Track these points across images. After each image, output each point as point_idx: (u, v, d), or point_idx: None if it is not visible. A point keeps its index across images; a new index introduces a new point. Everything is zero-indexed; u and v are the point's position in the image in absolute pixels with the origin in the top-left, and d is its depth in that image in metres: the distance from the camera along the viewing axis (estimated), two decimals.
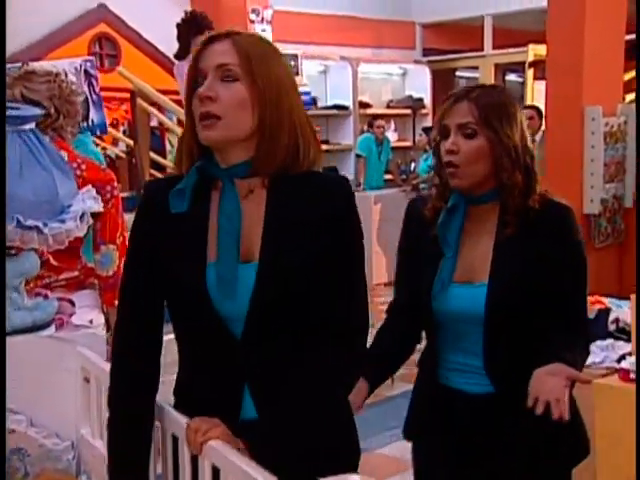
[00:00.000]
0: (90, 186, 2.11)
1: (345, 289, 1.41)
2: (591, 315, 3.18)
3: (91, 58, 3.43)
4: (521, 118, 1.75)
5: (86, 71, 3.19)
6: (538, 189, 1.73)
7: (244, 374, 1.38)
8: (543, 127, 6.17)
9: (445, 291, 1.73)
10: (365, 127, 8.20)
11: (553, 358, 1.61)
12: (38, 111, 1.94)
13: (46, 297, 2.03)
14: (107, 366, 1.69)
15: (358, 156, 7.95)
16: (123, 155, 6.65)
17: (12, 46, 6.04)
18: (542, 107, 6.28)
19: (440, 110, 1.77)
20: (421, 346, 1.90)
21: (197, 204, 1.38)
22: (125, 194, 5.59)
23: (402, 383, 3.40)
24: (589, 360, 2.90)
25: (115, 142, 6.86)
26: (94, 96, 3.21)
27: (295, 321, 1.38)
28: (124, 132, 6.78)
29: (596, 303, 3.24)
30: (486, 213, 1.75)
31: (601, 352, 2.93)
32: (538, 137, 6.24)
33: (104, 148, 6.66)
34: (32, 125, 1.86)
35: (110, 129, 6.74)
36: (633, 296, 2.77)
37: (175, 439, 1.38)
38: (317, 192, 1.40)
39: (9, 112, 1.80)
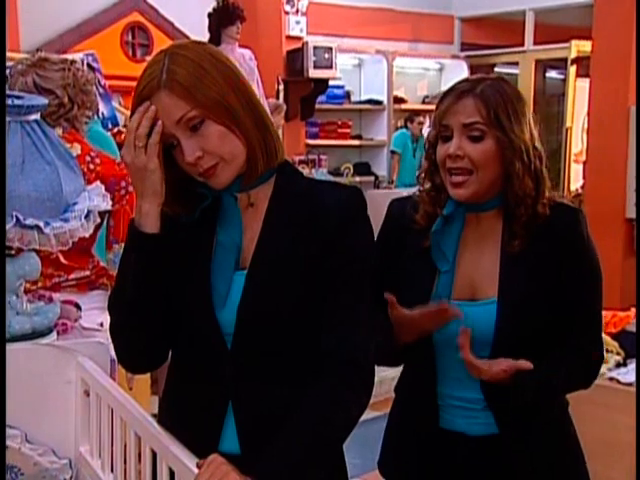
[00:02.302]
0: (99, 182, 1.98)
1: (340, 312, 1.28)
2: (634, 329, 2.99)
3: (92, 52, 3.40)
4: (529, 115, 1.53)
5: (89, 65, 3.15)
6: (547, 193, 1.53)
7: (229, 396, 1.30)
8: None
9: None
10: (401, 122, 7.99)
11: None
12: (44, 101, 1.81)
13: (50, 300, 1.90)
14: (107, 381, 1.57)
15: (393, 152, 7.74)
16: None
17: (45, 35, 5.99)
18: (585, 105, 6.05)
19: (440, 107, 1.54)
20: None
21: (205, 212, 1.34)
22: None
23: None
24: (629, 379, 2.75)
25: None
26: (100, 89, 3.20)
27: (288, 338, 1.29)
28: None
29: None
30: (488, 221, 1.55)
31: None
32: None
33: None
34: (37, 116, 1.73)
35: None
36: None
37: (172, 473, 1.23)
38: (315, 208, 1.30)
39: (12, 101, 1.67)
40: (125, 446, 1.43)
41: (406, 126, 7.78)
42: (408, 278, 1.58)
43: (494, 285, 1.52)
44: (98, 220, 1.89)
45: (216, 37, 5.20)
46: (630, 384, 2.69)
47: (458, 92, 1.52)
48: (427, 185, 1.60)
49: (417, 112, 7.95)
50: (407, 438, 1.65)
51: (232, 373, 1.29)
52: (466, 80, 1.57)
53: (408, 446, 1.64)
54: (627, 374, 2.74)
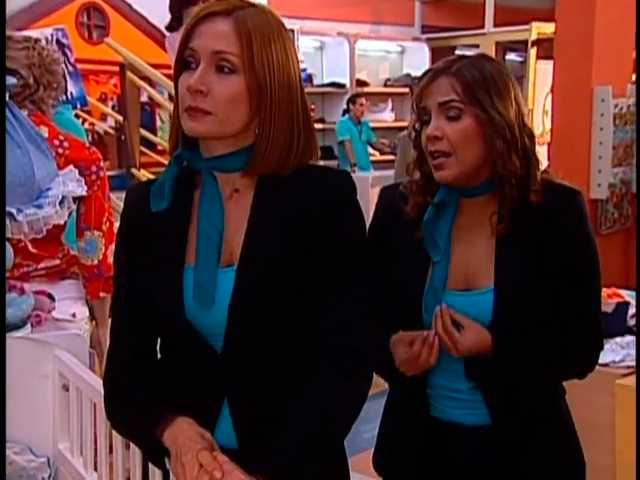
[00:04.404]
0: (72, 167, 1.89)
1: (334, 297, 1.23)
2: (609, 309, 3.00)
3: (62, 27, 3.25)
4: (516, 91, 1.46)
5: (58, 41, 3.00)
6: (539, 176, 1.46)
7: (224, 393, 1.23)
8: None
9: (439, 301, 1.46)
10: (345, 106, 7.90)
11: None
12: (13, 80, 1.71)
13: (22, 291, 1.81)
14: (88, 374, 1.50)
15: (341, 142, 7.62)
16: (112, 131, 6.40)
17: None
18: (547, 87, 6.07)
19: (416, 90, 1.48)
20: None
21: (179, 201, 1.24)
22: (113, 172, 5.39)
23: None
24: (608, 359, 2.75)
25: (103, 117, 6.61)
26: (70, 67, 3.04)
27: (283, 332, 1.22)
28: (113, 107, 6.53)
29: (614, 296, 3.06)
30: (481, 207, 1.49)
31: (621, 350, 2.75)
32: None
33: (92, 124, 6.43)
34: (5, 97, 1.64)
35: (98, 104, 6.52)
36: None
37: (166, 472, 1.17)
38: (305, 194, 1.23)
39: None
40: (110, 443, 1.36)
41: (348, 109, 7.70)
42: (401, 270, 1.52)
43: (489, 274, 1.46)
44: (73, 206, 1.80)
45: (178, 18, 5.06)
46: (606, 365, 2.69)
47: (433, 72, 1.47)
48: (416, 175, 1.53)
49: (359, 95, 7.84)
50: (401, 431, 1.60)
51: (225, 372, 1.23)
52: (443, 61, 1.50)
53: (403, 439, 1.59)
54: (603, 355, 2.73)
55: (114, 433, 1.33)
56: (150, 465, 1.22)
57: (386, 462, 1.64)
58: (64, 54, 3.00)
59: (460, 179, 1.46)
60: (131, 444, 1.29)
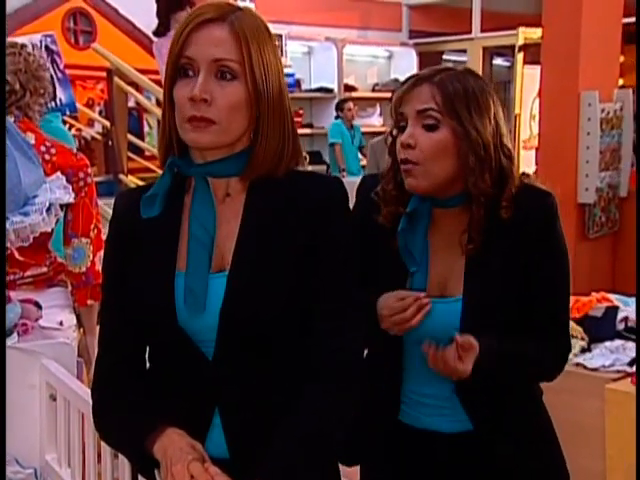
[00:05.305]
0: (59, 173, 1.87)
1: (325, 302, 1.22)
2: (598, 313, 3.01)
3: (51, 33, 3.25)
4: (496, 110, 1.45)
5: (47, 47, 2.98)
6: (513, 190, 1.44)
7: (214, 401, 1.22)
8: None
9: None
10: (334, 112, 7.90)
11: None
12: None
13: (8, 299, 1.79)
14: (76, 384, 1.48)
15: (332, 145, 7.62)
16: (99, 137, 6.38)
17: None
18: (534, 91, 6.10)
19: (396, 95, 1.46)
20: None
21: (170, 206, 1.23)
22: (101, 178, 5.37)
23: None
24: (598, 363, 2.76)
25: (90, 123, 6.59)
26: (59, 74, 3.03)
27: (274, 340, 1.21)
28: (100, 113, 6.52)
29: (603, 300, 3.06)
30: (455, 217, 1.48)
31: (611, 354, 2.74)
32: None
33: (79, 129, 6.41)
34: None
35: (85, 109, 6.50)
36: None
37: None
38: (297, 199, 1.23)
39: None
40: (99, 452, 1.35)
41: (338, 115, 7.71)
42: (381, 278, 1.50)
43: (460, 283, 1.47)
44: (60, 213, 1.78)
45: (165, 23, 5.05)
46: (596, 369, 2.69)
47: (415, 79, 1.46)
48: (390, 184, 1.51)
49: (345, 100, 7.86)
50: (370, 435, 1.56)
51: (216, 380, 1.22)
52: (427, 70, 1.49)
53: (372, 443, 1.57)
54: (592, 359, 2.74)
55: (103, 446, 1.31)
56: (140, 476, 1.21)
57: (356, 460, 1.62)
58: (53, 61, 2.98)
59: (429, 191, 1.45)
60: (119, 461, 1.27)
